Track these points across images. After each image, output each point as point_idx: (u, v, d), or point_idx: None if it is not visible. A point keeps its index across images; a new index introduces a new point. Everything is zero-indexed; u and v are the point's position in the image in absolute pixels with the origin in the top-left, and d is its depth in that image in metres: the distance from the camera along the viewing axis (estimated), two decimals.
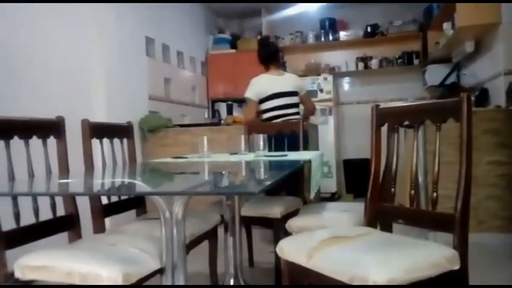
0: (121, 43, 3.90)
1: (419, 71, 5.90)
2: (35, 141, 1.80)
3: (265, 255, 2.91)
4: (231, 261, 2.09)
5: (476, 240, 2.81)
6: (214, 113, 6.08)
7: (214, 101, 6.20)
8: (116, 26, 3.82)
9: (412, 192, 1.67)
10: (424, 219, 1.60)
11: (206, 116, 5.94)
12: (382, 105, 1.83)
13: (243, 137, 2.56)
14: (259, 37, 5.99)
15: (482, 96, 4.01)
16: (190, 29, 5.69)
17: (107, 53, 3.67)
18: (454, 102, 1.46)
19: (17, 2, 2.82)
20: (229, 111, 5.91)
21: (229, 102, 5.98)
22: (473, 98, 3.93)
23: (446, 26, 4.40)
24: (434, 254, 1.31)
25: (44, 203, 1.73)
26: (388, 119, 1.76)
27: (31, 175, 1.76)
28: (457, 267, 1.31)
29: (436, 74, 5.38)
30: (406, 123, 1.70)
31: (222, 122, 4.73)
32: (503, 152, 3.32)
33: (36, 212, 1.69)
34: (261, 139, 2.38)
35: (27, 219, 1.65)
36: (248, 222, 2.65)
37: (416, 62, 5.95)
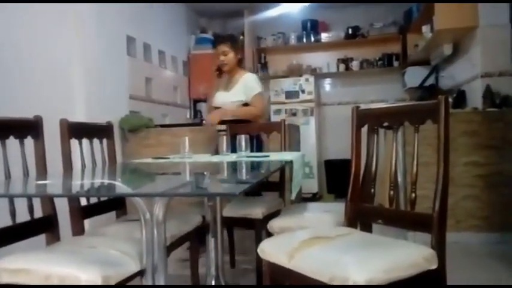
0: (101, 42, 3.84)
1: (399, 72, 5.99)
2: (12, 142, 1.76)
3: (246, 256, 2.91)
4: (213, 263, 2.08)
5: (455, 239, 2.87)
6: (196, 113, 6.04)
7: (196, 101, 6.16)
8: (96, 25, 3.76)
9: (392, 192, 1.69)
10: (403, 220, 1.62)
11: (188, 116, 5.91)
12: (363, 106, 1.85)
13: (224, 137, 2.55)
14: (242, 37, 6.00)
15: (460, 98, 4.09)
16: (172, 29, 5.65)
17: (86, 51, 3.62)
18: (432, 104, 1.48)
19: None
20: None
21: None
22: (451, 100, 4.01)
23: (425, 28, 4.48)
24: (412, 253, 1.34)
25: (21, 204, 1.69)
26: (368, 120, 1.78)
27: (7, 176, 1.72)
28: (434, 266, 1.34)
29: (415, 76, 5.46)
30: (386, 124, 1.72)
31: (204, 122, 4.70)
32: (480, 153, 3.39)
33: (13, 214, 1.66)
34: (243, 140, 2.38)
35: (4, 221, 1.61)
36: (230, 223, 2.65)
37: (396, 64, 6.04)
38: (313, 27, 6.30)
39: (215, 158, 2.35)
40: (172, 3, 5.57)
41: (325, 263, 1.27)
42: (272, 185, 2.80)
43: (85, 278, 1.27)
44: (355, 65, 6.18)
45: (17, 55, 2.94)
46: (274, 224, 2.13)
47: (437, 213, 1.40)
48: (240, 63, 3.34)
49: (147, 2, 4.81)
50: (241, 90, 3.17)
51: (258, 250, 1.52)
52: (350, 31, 6.16)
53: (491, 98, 3.62)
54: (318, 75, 6.27)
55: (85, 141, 2.19)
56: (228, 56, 3.17)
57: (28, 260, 1.39)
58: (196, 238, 2.15)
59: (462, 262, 2.82)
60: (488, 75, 3.77)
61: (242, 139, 2.38)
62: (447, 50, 4.42)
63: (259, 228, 2.37)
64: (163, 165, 2.22)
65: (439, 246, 1.38)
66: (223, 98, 3.21)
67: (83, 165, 2.17)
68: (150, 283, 1.41)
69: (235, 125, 2.96)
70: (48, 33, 3.25)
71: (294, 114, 5.85)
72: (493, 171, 3.37)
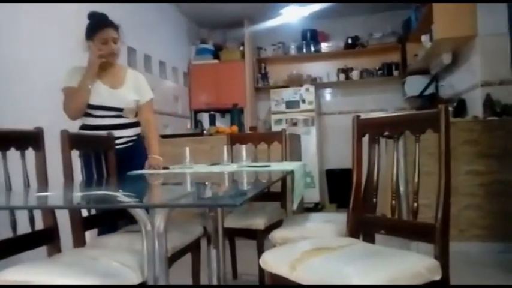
0: None
1: (398, 82, 6.00)
2: (13, 153, 1.76)
3: (249, 267, 2.89)
4: (214, 274, 2.07)
5: (458, 249, 2.85)
6: (197, 123, 6.06)
7: (196, 112, 6.18)
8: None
9: (394, 202, 1.68)
10: (405, 230, 1.61)
11: (189, 126, 5.92)
12: (363, 115, 1.85)
13: (225, 147, 2.55)
14: (242, 47, 6.01)
15: (460, 107, 4.10)
16: (172, 39, 5.69)
17: (87, 62, 3.63)
18: (432, 113, 1.48)
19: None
20: (212, 121, 5.90)
21: (212, 113, 5.98)
22: (451, 109, 4.01)
23: (424, 38, 4.50)
24: (415, 264, 1.32)
25: (22, 216, 1.69)
26: (368, 130, 1.78)
27: (8, 188, 1.72)
28: (438, 277, 1.33)
29: (415, 85, 5.48)
30: (387, 133, 1.72)
31: (205, 132, 4.71)
32: (481, 161, 3.38)
33: (13, 225, 1.65)
34: (243, 150, 2.38)
35: (5, 233, 1.61)
36: (231, 234, 2.64)
37: (396, 73, 6.06)
38: (313, 37, 6.34)
39: (216, 168, 2.35)
40: (172, 11, 5.60)
41: (328, 274, 1.26)
42: (273, 195, 2.79)
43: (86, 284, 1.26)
44: (355, 74, 6.20)
45: (17, 66, 2.95)
46: (276, 235, 2.11)
47: (440, 223, 1.39)
48: None
49: (147, 2, 4.84)
50: (132, 89, 2.60)
51: (260, 261, 1.51)
52: (349, 41, 6.20)
53: (491, 106, 3.62)
54: (318, 84, 6.29)
55: (86, 152, 2.18)
56: (118, 45, 2.53)
57: (29, 272, 1.38)
58: (198, 249, 2.14)
59: (465, 272, 2.80)
60: (488, 84, 3.77)
61: (243, 149, 2.38)
62: (447, 59, 4.44)
63: (261, 239, 2.36)
64: (164, 175, 2.22)
65: (443, 257, 1.37)
66: (114, 96, 2.52)
67: (84, 177, 2.17)
68: None
69: (235, 135, 2.96)
70: (48, 44, 3.27)
71: (295, 124, 5.86)
72: (495, 180, 3.36)
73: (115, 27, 2.52)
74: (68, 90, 2.45)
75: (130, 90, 2.59)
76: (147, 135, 2.65)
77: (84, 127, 2.52)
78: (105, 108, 2.49)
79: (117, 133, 2.48)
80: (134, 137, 2.62)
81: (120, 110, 2.54)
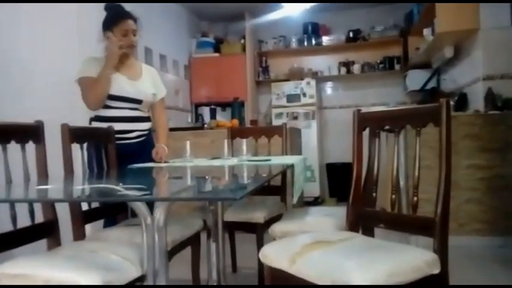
0: (102, 46, 3.85)
1: (400, 76, 5.98)
2: (13, 146, 1.76)
3: (248, 260, 2.90)
4: (214, 267, 2.07)
5: (457, 243, 2.86)
6: (198, 117, 6.05)
7: (197, 105, 6.18)
8: (97, 29, 3.77)
9: (393, 196, 1.68)
10: (405, 224, 1.61)
11: (189, 120, 5.91)
12: (364, 109, 1.85)
13: (226, 141, 2.55)
14: (243, 41, 5.99)
15: (462, 100, 4.09)
16: (173, 33, 5.66)
17: (88, 55, 3.62)
18: (433, 107, 1.48)
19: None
20: (213, 115, 5.89)
21: (213, 106, 5.97)
22: (452, 103, 4.00)
23: (426, 31, 4.48)
24: (415, 258, 1.33)
25: (22, 209, 1.69)
26: (369, 124, 1.78)
27: (8, 181, 1.72)
28: (437, 271, 1.33)
29: (416, 79, 5.46)
30: (387, 127, 1.72)
31: (205, 126, 4.71)
32: (482, 155, 3.38)
33: (13, 219, 1.65)
34: (244, 144, 2.38)
35: (5, 226, 1.61)
36: (231, 227, 2.64)
37: (397, 67, 6.03)
38: (314, 30, 6.31)
39: (216, 162, 2.35)
40: (173, 6, 5.58)
41: (327, 268, 1.27)
42: (274, 189, 2.79)
43: (85, 283, 1.27)
44: (356, 68, 6.18)
45: (18, 60, 2.95)
46: (275, 228, 2.12)
47: (439, 217, 1.39)
48: None
49: (148, 2, 4.82)
50: (150, 83, 2.63)
51: (260, 255, 1.52)
52: (351, 34, 6.17)
53: (493, 100, 3.61)
54: (319, 78, 6.27)
55: (86, 145, 2.18)
56: (136, 38, 2.52)
57: (28, 265, 1.39)
58: (198, 242, 2.14)
59: (465, 266, 2.81)
60: (490, 78, 3.76)
61: (243, 143, 2.38)
62: (448, 52, 4.42)
63: (260, 233, 2.36)
64: (165, 169, 2.22)
65: (442, 251, 1.37)
66: (135, 87, 2.52)
67: (85, 170, 2.17)
68: None
69: (236, 129, 2.95)
70: (49, 38, 3.26)
71: (296, 118, 5.85)
72: (495, 174, 3.35)
73: (135, 19, 2.53)
74: (86, 80, 2.42)
75: (148, 83, 2.61)
76: (158, 131, 2.67)
77: (98, 118, 2.48)
78: (124, 99, 2.48)
79: (132, 126, 2.50)
80: (146, 131, 2.64)
81: (139, 102, 2.54)
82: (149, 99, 2.60)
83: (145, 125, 2.62)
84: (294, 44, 6.38)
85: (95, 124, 2.45)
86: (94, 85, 2.39)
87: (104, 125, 2.39)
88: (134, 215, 1.45)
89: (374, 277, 1.18)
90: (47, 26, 3.25)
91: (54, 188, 1.55)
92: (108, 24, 2.47)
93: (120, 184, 1.69)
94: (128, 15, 2.49)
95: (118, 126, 2.42)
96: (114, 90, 2.43)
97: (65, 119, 2.09)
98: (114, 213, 2.24)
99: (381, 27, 6.06)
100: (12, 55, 2.89)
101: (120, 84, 2.46)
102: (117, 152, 2.36)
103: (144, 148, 2.57)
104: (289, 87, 5.95)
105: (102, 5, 2.55)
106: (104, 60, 2.46)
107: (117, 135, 2.41)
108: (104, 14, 2.52)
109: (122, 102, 2.48)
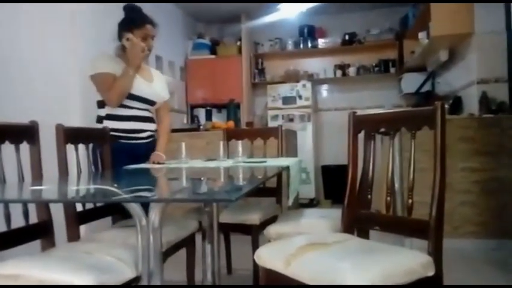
0: (98, 46, 3.83)
1: (395, 79, 6.01)
2: (7, 146, 1.75)
3: (243, 262, 2.90)
4: (209, 269, 2.07)
5: (452, 245, 2.86)
6: (193, 118, 6.05)
7: (193, 107, 6.17)
8: (93, 29, 3.76)
9: (388, 198, 1.69)
10: (400, 226, 1.62)
11: (185, 121, 5.90)
12: (359, 112, 1.85)
13: (221, 143, 2.55)
14: (239, 43, 5.99)
15: (456, 104, 4.11)
16: (169, 34, 5.66)
17: (83, 56, 3.61)
18: (428, 110, 1.48)
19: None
20: (208, 117, 5.89)
21: (208, 108, 5.97)
22: (447, 106, 4.02)
23: (421, 35, 4.51)
24: (409, 260, 1.33)
25: (16, 210, 1.68)
26: (364, 126, 1.78)
27: (3, 181, 1.71)
28: (431, 273, 1.33)
29: (411, 82, 5.49)
30: (382, 130, 1.73)
31: (201, 127, 4.70)
32: (476, 158, 3.40)
33: (7, 219, 1.64)
34: (239, 145, 2.37)
35: None
36: (226, 229, 2.64)
37: (392, 70, 6.06)
38: (310, 33, 6.33)
39: (212, 164, 2.35)
40: (169, 5, 5.58)
41: (322, 270, 1.27)
42: (269, 190, 2.79)
43: (79, 283, 1.26)
44: (352, 71, 6.20)
45: (15, 61, 2.93)
46: (271, 230, 2.12)
47: (434, 220, 1.39)
48: None
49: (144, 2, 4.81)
50: (161, 86, 2.68)
51: (255, 256, 1.52)
52: (347, 37, 6.19)
53: (487, 104, 3.63)
54: (315, 81, 6.28)
55: (81, 146, 2.17)
56: (153, 42, 2.59)
57: (22, 266, 1.38)
58: (193, 244, 2.14)
59: (459, 268, 2.82)
60: (485, 81, 3.78)
61: (239, 145, 2.38)
62: (443, 56, 4.44)
63: (255, 234, 2.36)
64: (160, 170, 2.21)
65: (436, 253, 1.37)
66: (149, 89, 2.55)
67: (79, 171, 2.16)
68: None
69: (232, 131, 2.95)
70: (44, 38, 3.25)
71: (291, 120, 5.86)
72: (490, 177, 3.37)
73: (155, 24, 2.58)
74: (104, 76, 2.40)
75: (160, 86, 2.66)
76: (160, 133, 2.69)
77: (112, 117, 2.46)
78: (142, 99, 2.49)
79: (144, 126, 2.53)
80: (154, 132, 2.66)
81: (153, 103, 2.58)
82: (161, 101, 2.65)
83: (153, 126, 2.65)
84: (290, 47, 6.40)
85: (107, 122, 2.46)
86: (118, 82, 2.38)
87: (118, 123, 2.42)
88: (129, 216, 1.45)
89: (369, 279, 1.18)
90: (41, 23, 3.24)
91: (49, 188, 1.54)
92: (129, 26, 2.49)
93: (115, 185, 1.69)
94: (149, 20, 2.55)
95: (132, 125, 2.46)
96: (134, 90, 2.45)
97: (62, 119, 2.08)
98: (108, 214, 2.23)
99: (377, 31, 6.09)
100: (12, 55, 2.88)
101: (139, 85, 2.47)
102: (129, 152, 2.40)
103: (153, 149, 2.60)
104: (285, 89, 5.96)
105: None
106: (116, 59, 2.49)
107: (130, 135, 2.46)
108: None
109: (138, 102, 2.49)
